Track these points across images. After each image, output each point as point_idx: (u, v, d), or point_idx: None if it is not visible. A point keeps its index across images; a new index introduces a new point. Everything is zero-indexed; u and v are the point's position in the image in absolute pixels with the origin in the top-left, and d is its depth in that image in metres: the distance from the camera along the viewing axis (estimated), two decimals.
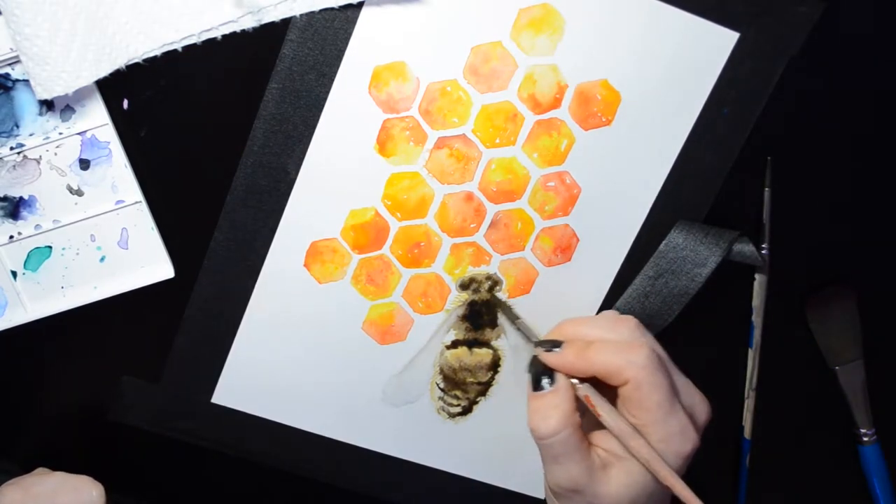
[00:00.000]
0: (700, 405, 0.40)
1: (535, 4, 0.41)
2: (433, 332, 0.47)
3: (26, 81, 0.39)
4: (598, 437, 0.40)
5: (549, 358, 0.39)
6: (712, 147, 0.45)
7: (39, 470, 0.42)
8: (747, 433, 0.51)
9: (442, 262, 0.45)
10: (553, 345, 0.40)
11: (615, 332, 0.40)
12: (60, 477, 0.40)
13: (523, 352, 0.47)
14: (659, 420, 0.38)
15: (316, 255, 0.44)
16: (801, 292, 0.49)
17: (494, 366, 0.48)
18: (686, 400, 0.39)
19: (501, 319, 0.46)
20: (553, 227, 0.45)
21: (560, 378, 0.39)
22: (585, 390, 0.39)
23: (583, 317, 0.43)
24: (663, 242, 0.45)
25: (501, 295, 0.46)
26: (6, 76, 0.39)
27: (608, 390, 0.40)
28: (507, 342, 0.48)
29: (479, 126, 0.43)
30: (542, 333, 0.46)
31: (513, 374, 0.48)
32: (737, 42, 0.43)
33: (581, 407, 0.39)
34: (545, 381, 0.39)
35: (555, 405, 0.38)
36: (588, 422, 0.40)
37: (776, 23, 0.42)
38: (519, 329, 0.44)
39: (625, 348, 0.38)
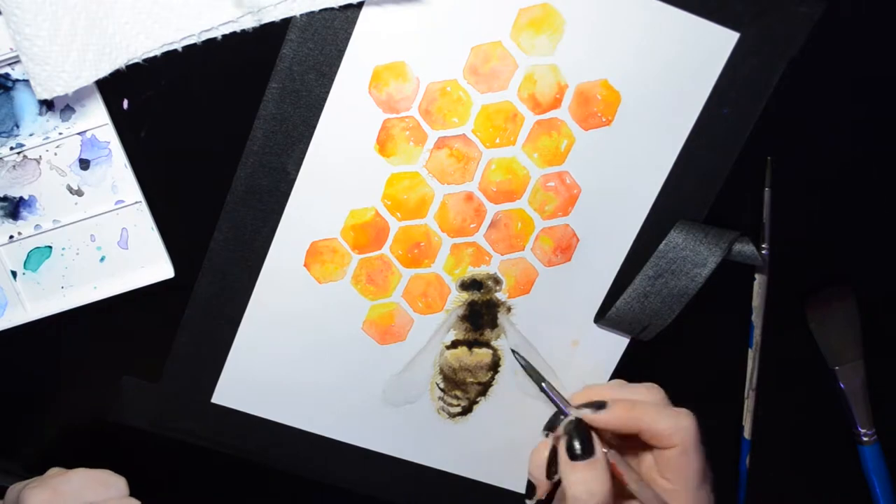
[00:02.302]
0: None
1: (535, 4, 0.41)
2: (433, 332, 0.47)
3: (26, 81, 0.39)
4: None
5: (599, 417, 0.38)
6: (712, 147, 0.45)
7: (54, 470, 0.41)
8: (747, 433, 0.51)
9: (442, 262, 0.45)
10: (598, 406, 0.39)
11: (650, 396, 0.40)
12: (83, 473, 0.39)
13: (523, 351, 0.47)
14: (693, 487, 0.39)
15: (316, 255, 0.44)
16: (801, 292, 0.49)
17: (494, 366, 0.48)
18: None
19: (529, 380, 0.45)
20: (553, 227, 0.45)
21: (599, 447, 0.38)
22: (614, 457, 0.38)
23: (609, 383, 0.44)
24: (663, 242, 0.45)
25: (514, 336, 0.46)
26: (6, 76, 0.39)
27: (633, 454, 0.40)
28: (506, 342, 0.48)
29: (479, 126, 0.43)
30: (536, 340, 0.47)
31: (513, 375, 0.48)
32: (737, 42, 0.43)
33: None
34: (578, 447, 0.38)
35: (598, 475, 0.37)
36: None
37: (776, 23, 0.42)
38: (544, 391, 0.41)
39: (674, 413, 0.39)
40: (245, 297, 0.45)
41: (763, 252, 0.47)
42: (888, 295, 0.50)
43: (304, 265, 0.44)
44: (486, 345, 0.47)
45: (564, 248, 0.46)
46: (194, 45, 0.39)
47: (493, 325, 0.47)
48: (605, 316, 0.47)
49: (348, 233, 0.44)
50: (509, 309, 0.47)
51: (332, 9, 0.40)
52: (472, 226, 0.45)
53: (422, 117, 0.42)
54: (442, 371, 0.48)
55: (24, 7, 0.36)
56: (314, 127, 0.42)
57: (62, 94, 0.37)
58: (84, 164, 0.41)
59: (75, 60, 0.37)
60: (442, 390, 0.48)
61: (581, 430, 0.38)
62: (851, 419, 0.51)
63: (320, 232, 0.44)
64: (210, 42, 0.39)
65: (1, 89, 0.39)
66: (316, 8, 0.39)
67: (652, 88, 0.43)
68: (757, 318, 0.48)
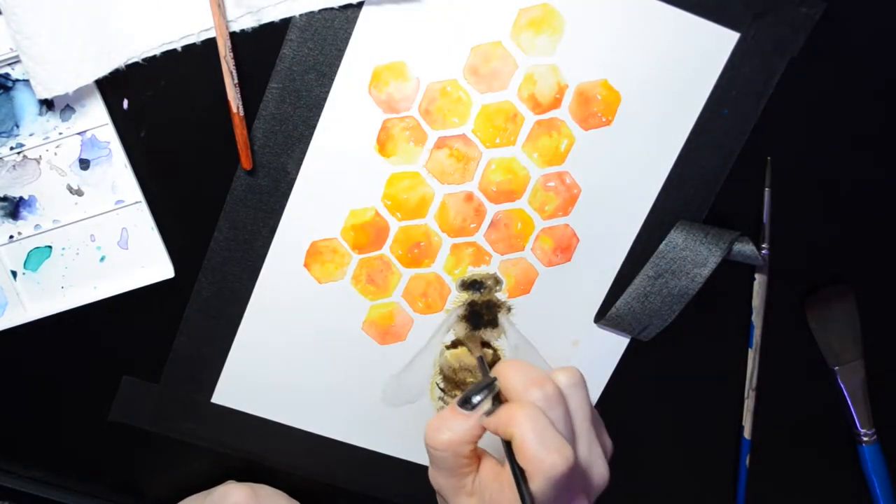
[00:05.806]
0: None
1: (535, 4, 0.41)
2: (433, 332, 0.47)
3: (26, 81, 0.39)
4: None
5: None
6: (712, 147, 0.45)
7: (230, 483, 0.47)
8: (747, 433, 0.51)
9: (442, 262, 0.45)
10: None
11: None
12: (270, 488, 0.47)
13: (523, 352, 0.47)
14: None
15: (316, 255, 0.44)
16: (801, 292, 0.49)
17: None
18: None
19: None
20: (553, 227, 0.45)
21: (479, 411, 0.36)
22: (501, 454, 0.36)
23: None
24: (663, 242, 0.45)
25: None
26: (6, 76, 0.39)
27: None
28: (507, 342, 0.48)
29: (479, 126, 0.43)
30: (536, 340, 0.47)
31: None
32: (737, 42, 0.43)
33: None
34: (467, 399, 0.36)
35: (464, 425, 0.36)
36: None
37: (776, 23, 0.42)
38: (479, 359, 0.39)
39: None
40: (245, 297, 0.45)
41: (763, 252, 0.47)
42: (888, 295, 0.50)
43: (304, 265, 0.44)
44: (487, 345, 0.47)
45: (564, 248, 0.46)
46: (194, 44, 0.39)
47: (494, 325, 0.47)
48: (605, 316, 0.47)
49: (348, 233, 0.44)
50: (509, 309, 0.47)
51: (332, 9, 0.40)
52: (472, 226, 0.45)
53: (422, 117, 0.42)
54: (442, 371, 0.48)
55: (25, 6, 0.36)
56: (314, 127, 0.42)
57: (62, 93, 0.37)
58: (84, 164, 0.41)
59: (75, 60, 0.37)
60: (442, 390, 0.48)
61: (482, 389, 0.36)
62: (851, 419, 0.51)
63: (320, 232, 0.44)
64: (210, 42, 0.39)
65: (1, 89, 0.39)
66: (316, 8, 0.39)
67: (652, 88, 0.43)
68: (757, 318, 0.48)
